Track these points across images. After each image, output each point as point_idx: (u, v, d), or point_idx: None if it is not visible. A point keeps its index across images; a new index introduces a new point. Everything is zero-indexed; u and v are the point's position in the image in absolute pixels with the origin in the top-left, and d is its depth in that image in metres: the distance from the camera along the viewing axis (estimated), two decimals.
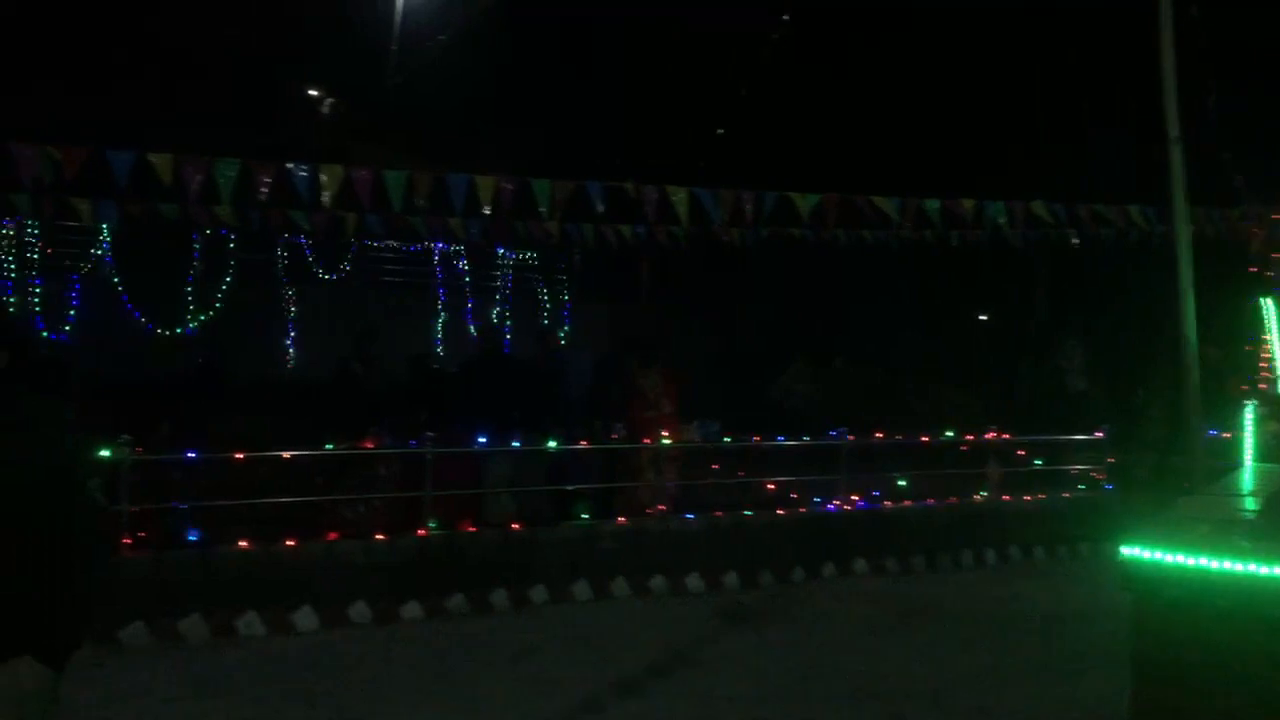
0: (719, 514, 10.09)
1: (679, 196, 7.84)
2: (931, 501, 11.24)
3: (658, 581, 9.35)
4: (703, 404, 11.61)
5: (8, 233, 15.36)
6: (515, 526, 9.23)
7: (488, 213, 7.46)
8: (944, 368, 16.91)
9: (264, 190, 6.84)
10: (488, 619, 8.49)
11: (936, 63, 17.69)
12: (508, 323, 18.90)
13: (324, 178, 6.81)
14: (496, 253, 18.45)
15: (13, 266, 15.79)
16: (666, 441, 10.52)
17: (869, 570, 10.36)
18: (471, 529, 9.11)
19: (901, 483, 11.60)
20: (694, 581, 9.49)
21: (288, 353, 17.51)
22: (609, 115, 17.48)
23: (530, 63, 17.00)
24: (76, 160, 5.92)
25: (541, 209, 7.46)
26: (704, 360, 15.83)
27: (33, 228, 15.43)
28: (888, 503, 11.09)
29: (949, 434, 12.05)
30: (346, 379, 10.37)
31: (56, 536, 3.03)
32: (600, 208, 8.23)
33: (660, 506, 10.23)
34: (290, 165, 6.75)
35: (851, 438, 10.97)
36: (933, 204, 9.37)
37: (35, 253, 15.93)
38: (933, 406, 15.38)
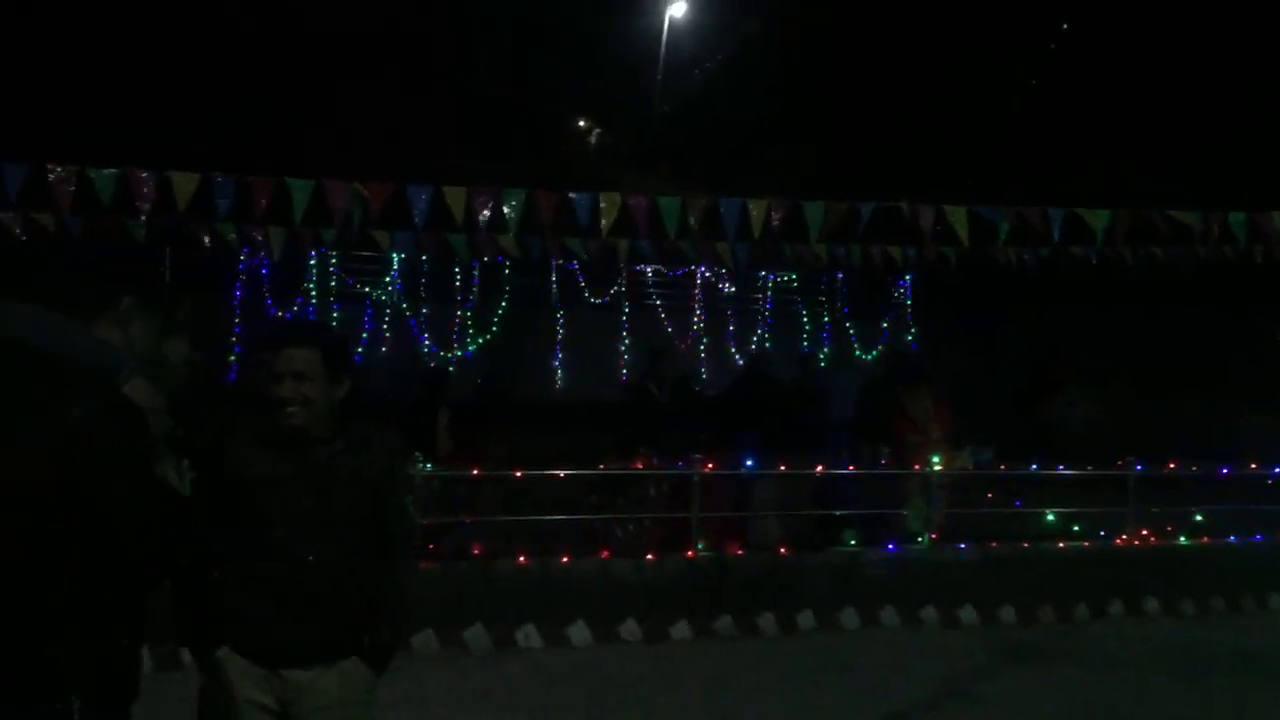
0: (994, 544, 9.67)
1: (958, 215, 7.58)
2: (1234, 539, 10.35)
3: (928, 612, 9.05)
4: (974, 428, 11.17)
5: (313, 263, 16.76)
6: (782, 550, 9.17)
7: (757, 236, 7.49)
8: (1245, 393, 15.55)
9: (546, 218, 7.13)
10: (755, 642, 8.46)
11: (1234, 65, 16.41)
12: (768, 345, 18.90)
13: (603, 205, 7.04)
14: (758, 275, 18.53)
15: (314, 294, 17.23)
16: (936, 467, 10.19)
17: (1161, 611, 9.63)
18: (738, 551, 9.13)
19: (1198, 517, 10.74)
20: (967, 614, 9.12)
21: (556, 374, 18.18)
22: (877, 133, 17.20)
23: (795, 83, 17.00)
24: (381, 195, 6.39)
25: (811, 232, 7.38)
26: (974, 383, 15.24)
27: (333, 257, 16.78)
28: (1183, 538, 10.29)
29: (1253, 465, 11.06)
30: (642, 397, 10.67)
31: (384, 549, 3.28)
32: (865, 228, 8.08)
33: (931, 535, 9.91)
34: (573, 195, 7.02)
35: (1140, 467, 10.26)
36: (1238, 217, 8.64)
37: (334, 281, 17.32)
38: (1234, 434, 14.18)
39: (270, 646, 3.15)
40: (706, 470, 9.10)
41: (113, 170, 5.91)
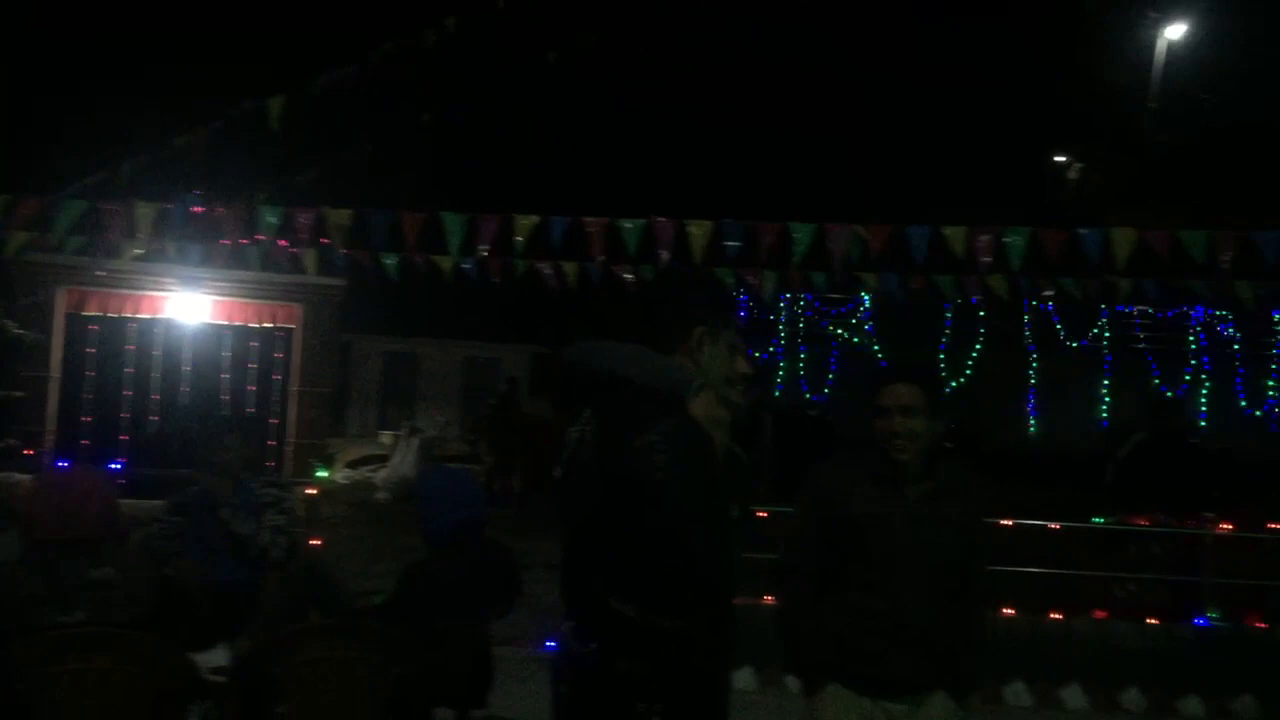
0: None
1: None
2: None
3: None
4: None
5: (783, 306, 17.30)
6: None
7: None
8: None
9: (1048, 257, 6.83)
10: None
11: None
12: (1273, 394, 16.84)
13: (1115, 242, 6.62)
14: (1271, 316, 16.56)
15: (784, 335, 17.77)
16: None
17: None
18: (1261, 624, 8.15)
19: None
20: None
21: (1029, 420, 17.39)
22: None
23: None
24: (880, 236, 6.45)
25: None
26: None
27: (801, 299, 17.22)
28: None
29: None
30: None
31: (967, 582, 3.31)
32: None
33: None
34: (1083, 231, 6.68)
35: None
36: None
37: (803, 323, 17.78)
38: None
39: (874, 678, 3.28)
40: (1220, 531, 8.25)
41: (639, 221, 6.47)
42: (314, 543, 7.76)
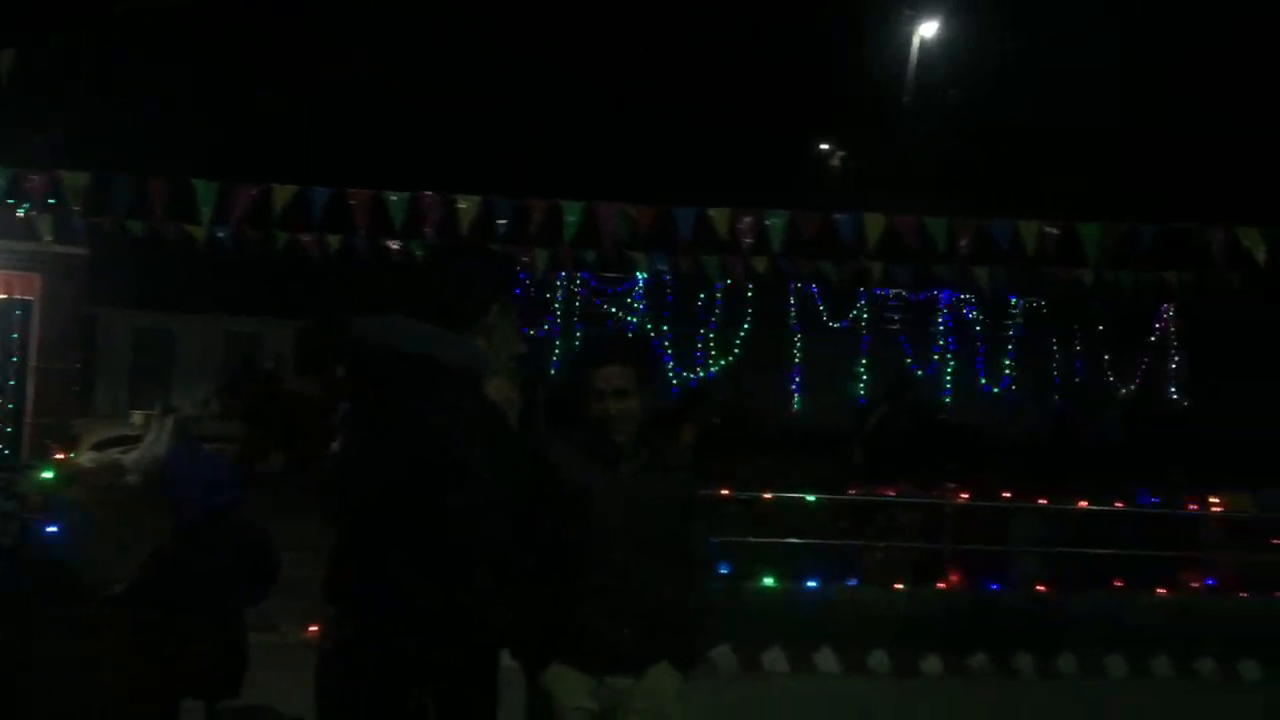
0: None
1: (1252, 237, 6.99)
2: None
3: (1206, 664, 8.40)
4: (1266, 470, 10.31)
5: (559, 284, 17.39)
6: (1041, 589, 8.76)
7: (1030, 258, 7.19)
8: None
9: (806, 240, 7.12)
10: (1010, 684, 8.08)
11: None
12: (1009, 373, 18.23)
13: (867, 226, 6.95)
14: (1008, 300, 17.89)
15: (560, 313, 17.89)
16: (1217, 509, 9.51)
17: None
18: (995, 587, 8.79)
19: None
20: (1249, 669, 8.41)
21: (793, 398, 18.14)
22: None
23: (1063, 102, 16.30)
24: (648, 217, 6.55)
25: (1088, 253, 7.01)
26: (1262, 420, 14.09)
27: (578, 278, 17.36)
28: None
29: None
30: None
31: (686, 554, 3.36)
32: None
33: (1207, 581, 9.23)
34: (837, 215, 6.98)
35: None
36: None
37: (579, 301, 17.94)
38: None
39: (597, 654, 3.27)
40: (959, 500, 8.84)
41: (405, 194, 6.31)
42: (50, 529, 7.24)
